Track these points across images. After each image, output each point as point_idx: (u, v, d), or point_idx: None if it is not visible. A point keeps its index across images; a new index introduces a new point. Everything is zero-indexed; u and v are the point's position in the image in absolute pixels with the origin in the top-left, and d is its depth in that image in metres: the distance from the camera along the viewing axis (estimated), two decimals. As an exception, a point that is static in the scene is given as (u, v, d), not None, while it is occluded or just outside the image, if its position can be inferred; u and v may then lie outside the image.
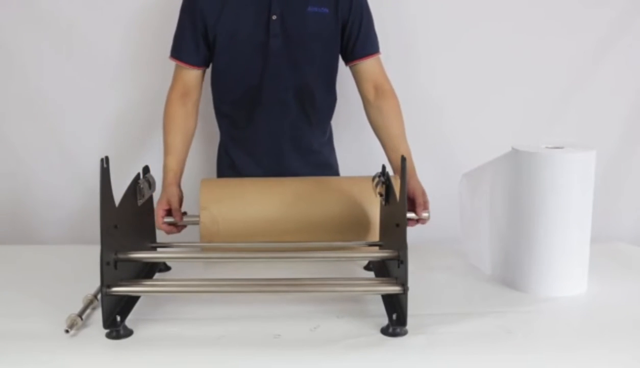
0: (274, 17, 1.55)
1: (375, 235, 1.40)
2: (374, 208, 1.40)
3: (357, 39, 1.59)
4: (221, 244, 1.37)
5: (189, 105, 1.59)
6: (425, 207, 1.45)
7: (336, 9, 1.57)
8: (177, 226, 1.44)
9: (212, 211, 1.38)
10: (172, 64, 1.63)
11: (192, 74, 1.60)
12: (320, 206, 1.41)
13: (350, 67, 1.64)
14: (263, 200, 1.42)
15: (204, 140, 1.94)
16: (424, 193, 1.48)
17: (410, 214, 1.44)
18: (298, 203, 1.41)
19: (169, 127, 1.56)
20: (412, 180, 1.49)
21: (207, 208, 1.39)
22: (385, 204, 1.26)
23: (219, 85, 1.65)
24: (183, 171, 1.55)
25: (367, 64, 1.61)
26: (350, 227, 1.41)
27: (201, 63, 1.60)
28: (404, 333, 1.03)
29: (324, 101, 1.67)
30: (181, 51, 1.59)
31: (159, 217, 1.41)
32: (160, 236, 1.40)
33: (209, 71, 1.66)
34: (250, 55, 1.58)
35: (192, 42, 1.58)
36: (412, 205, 1.45)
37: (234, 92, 1.63)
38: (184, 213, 1.45)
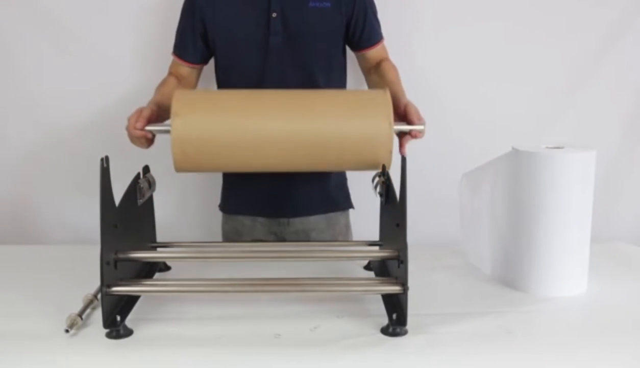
0: (274, 15, 1.54)
1: (381, 155, 1.26)
2: (379, 122, 1.25)
3: (362, 31, 1.59)
4: (222, 244, 1.37)
5: (183, 86, 1.60)
6: (419, 120, 1.36)
7: (339, 2, 1.56)
8: (147, 137, 1.34)
9: (185, 118, 1.23)
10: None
11: (184, 69, 1.62)
12: (312, 115, 1.26)
13: (355, 53, 1.66)
14: (245, 107, 1.27)
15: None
16: (417, 111, 1.38)
17: (401, 127, 1.32)
18: (286, 111, 1.26)
19: (160, 84, 1.55)
20: (404, 99, 1.41)
21: (179, 114, 1.23)
22: (386, 204, 1.26)
23: (222, 85, 1.65)
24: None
25: (371, 52, 1.63)
26: (351, 142, 1.25)
27: (196, 61, 1.61)
28: (404, 333, 1.03)
29: None
30: (178, 47, 1.62)
31: (132, 120, 1.33)
32: (161, 236, 1.40)
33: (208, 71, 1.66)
34: (251, 54, 1.57)
35: (189, 41, 1.58)
36: (405, 119, 1.36)
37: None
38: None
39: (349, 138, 1.24)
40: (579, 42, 1.97)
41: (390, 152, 1.25)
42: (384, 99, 1.27)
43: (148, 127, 1.31)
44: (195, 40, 1.58)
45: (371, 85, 1.63)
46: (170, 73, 1.62)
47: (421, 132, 1.34)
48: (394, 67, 1.60)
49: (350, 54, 1.68)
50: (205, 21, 1.56)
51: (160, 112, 1.38)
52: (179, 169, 1.27)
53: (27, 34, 1.92)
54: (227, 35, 1.56)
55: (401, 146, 1.33)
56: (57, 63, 1.94)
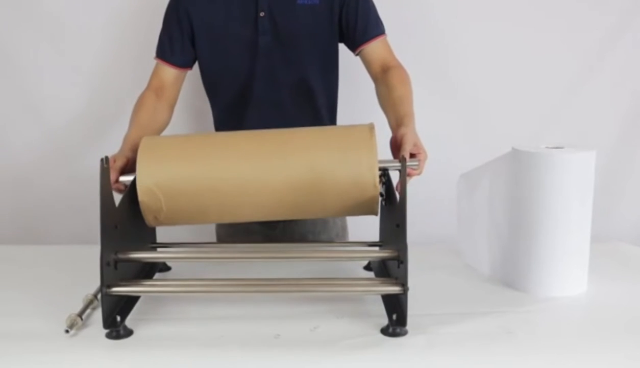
0: (262, 14, 1.51)
1: (368, 206, 1.19)
2: (363, 178, 1.15)
3: (356, 24, 1.53)
4: (222, 244, 1.36)
5: (162, 100, 1.52)
6: (414, 155, 1.22)
7: (332, 1, 1.52)
8: (119, 189, 1.23)
9: (151, 188, 1.16)
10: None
11: (170, 73, 1.55)
12: (287, 167, 1.15)
13: (359, 55, 1.57)
14: (215, 167, 1.17)
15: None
16: (416, 145, 1.25)
17: (392, 163, 1.20)
18: (259, 162, 1.16)
19: (137, 109, 1.45)
20: (404, 128, 1.28)
21: (146, 188, 1.16)
22: (385, 205, 1.26)
23: (209, 88, 1.62)
24: None
25: (371, 47, 1.54)
26: (338, 195, 1.16)
27: (185, 63, 1.56)
28: (404, 333, 1.03)
29: (323, 98, 1.61)
30: (163, 50, 1.55)
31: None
32: (161, 236, 1.40)
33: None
34: (240, 55, 1.54)
35: (176, 42, 1.54)
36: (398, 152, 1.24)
37: (225, 94, 1.59)
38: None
39: (329, 194, 1.16)
40: (578, 43, 1.98)
41: (377, 204, 1.19)
42: (368, 146, 1.15)
43: (121, 179, 1.21)
44: (183, 42, 1.54)
45: (379, 97, 1.51)
46: (149, 87, 1.53)
47: (415, 169, 1.22)
48: (402, 79, 1.47)
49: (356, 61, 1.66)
50: (192, 22, 1.53)
51: (135, 157, 1.22)
52: (152, 225, 1.25)
53: (26, 34, 1.92)
54: (215, 37, 1.53)
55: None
56: (57, 63, 1.94)
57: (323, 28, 1.54)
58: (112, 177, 1.19)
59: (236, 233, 1.68)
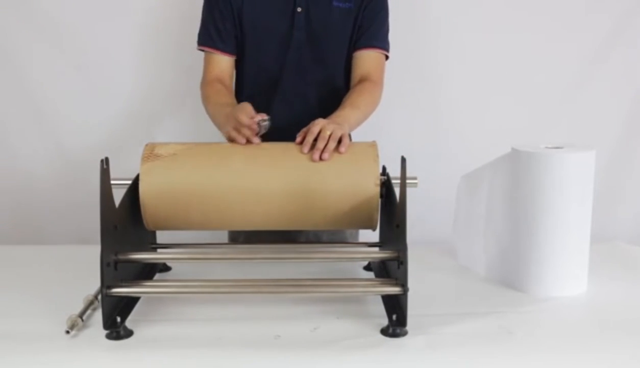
0: (299, 10, 1.56)
1: (369, 220, 1.23)
2: (366, 187, 1.19)
3: (367, 30, 1.58)
4: (222, 245, 1.36)
5: (229, 89, 1.57)
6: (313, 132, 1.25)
7: (360, 4, 1.58)
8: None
9: (154, 194, 1.19)
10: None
11: (227, 62, 1.59)
12: (294, 178, 1.19)
13: (353, 56, 1.60)
14: (218, 176, 1.20)
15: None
16: (322, 125, 1.26)
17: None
18: (267, 178, 1.20)
19: (217, 100, 1.49)
20: (322, 119, 1.32)
21: (149, 194, 1.19)
22: (385, 205, 1.26)
23: (239, 76, 1.65)
24: None
25: (365, 54, 1.58)
26: (338, 207, 1.20)
27: (233, 51, 1.59)
28: (404, 333, 1.03)
29: (345, 95, 1.60)
30: (212, 40, 1.58)
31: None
32: (161, 236, 1.40)
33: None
34: (273, 46, 1.58)
35: (224, 31, 1.57)
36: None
37: (253, 83, 1.62)
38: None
39: (329, 206, 1.19)
40: (579, 43, 1.98)
41: (376, 222, 1.24)
42: (371, 162, 1.21)
43: (119, 182, 1.20)
44: (230, 32, 1.57)
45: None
46: (210, 80, 1.55)
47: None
48: (364, 91, 1.52)
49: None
50: (233, 11, 1.57)
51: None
52: (151, 229, 1.27)
53: (26, 35, 1.92)
54: (253, 27, 1.57)
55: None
56: (57, 63, 1.94)
57: (352, 30, 1.59)
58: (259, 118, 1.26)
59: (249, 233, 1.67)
